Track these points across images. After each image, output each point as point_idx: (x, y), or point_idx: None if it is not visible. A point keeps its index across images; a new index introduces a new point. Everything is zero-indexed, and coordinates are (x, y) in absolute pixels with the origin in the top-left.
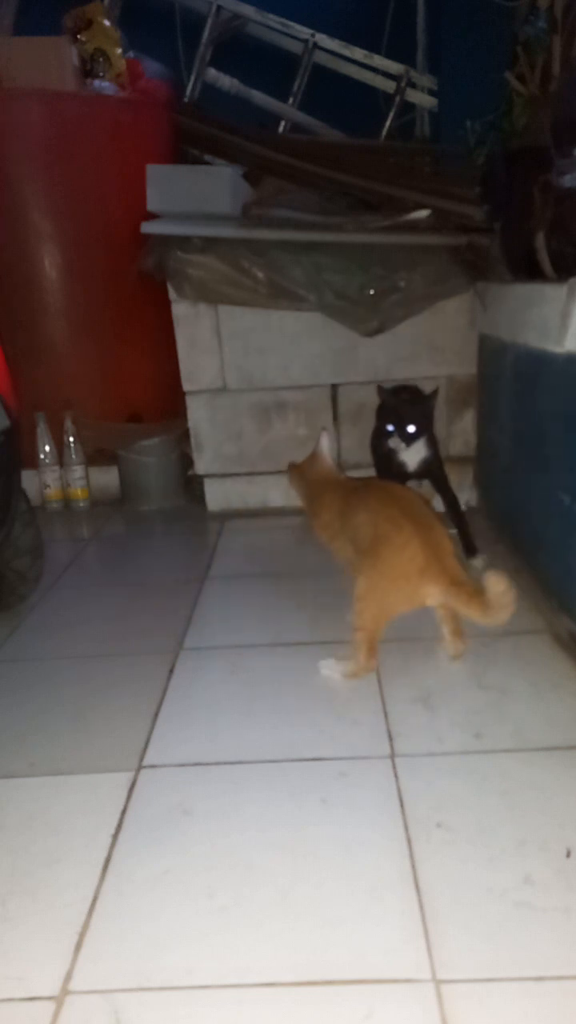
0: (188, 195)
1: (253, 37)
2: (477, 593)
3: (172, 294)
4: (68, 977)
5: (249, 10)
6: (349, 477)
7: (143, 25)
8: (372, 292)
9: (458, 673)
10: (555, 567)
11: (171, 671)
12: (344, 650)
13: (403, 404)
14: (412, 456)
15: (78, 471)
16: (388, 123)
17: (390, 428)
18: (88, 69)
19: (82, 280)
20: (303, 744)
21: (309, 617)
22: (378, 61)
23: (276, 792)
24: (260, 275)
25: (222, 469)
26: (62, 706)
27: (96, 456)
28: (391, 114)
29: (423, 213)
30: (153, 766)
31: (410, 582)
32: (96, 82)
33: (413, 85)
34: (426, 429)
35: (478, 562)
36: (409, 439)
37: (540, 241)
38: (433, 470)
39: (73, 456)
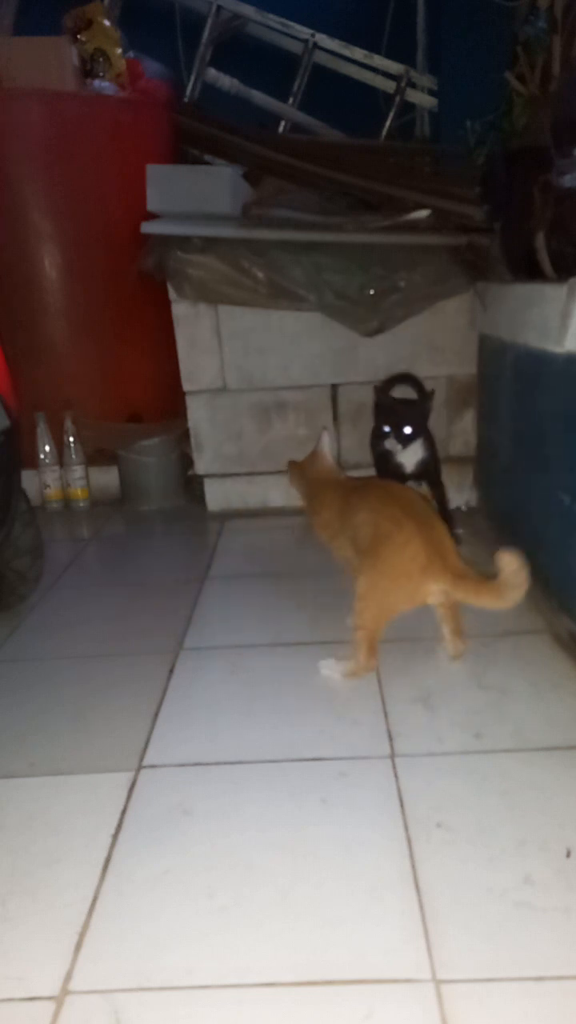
0: (188, 195)
1: (253, 37)
2: (484, 582)
3: (172, 294)
4: (68, 977)
5: (249, 10)
6: (349, 476)
7: (143, 25)
8: (372, 292)
9: (458, 673)
10: (555, 567)
11: (171, 671)
12: (344, 650)
13: (399, 405)
14: (409, 457)
15: (78, 471)
16: (388, 123)
17: (386, 429)
18: (88, 69)
19: (82, 280)
20: (303, 744)
21: (309, 617)
22: (378, 61)
23: (276, 792)
24: (260, 275)
25: (222, 469)
26: (62, 706)
27: (96, 456)
28: (391, 114)
29: (423, 213)
30: (153, 766)
31: (412, 580)
32: (96, 82)
33: (413, 85)
34: (423, 430)
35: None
36: (405, 440)
37: (540, 241)
38: (430, 471)
39: (73, 456)
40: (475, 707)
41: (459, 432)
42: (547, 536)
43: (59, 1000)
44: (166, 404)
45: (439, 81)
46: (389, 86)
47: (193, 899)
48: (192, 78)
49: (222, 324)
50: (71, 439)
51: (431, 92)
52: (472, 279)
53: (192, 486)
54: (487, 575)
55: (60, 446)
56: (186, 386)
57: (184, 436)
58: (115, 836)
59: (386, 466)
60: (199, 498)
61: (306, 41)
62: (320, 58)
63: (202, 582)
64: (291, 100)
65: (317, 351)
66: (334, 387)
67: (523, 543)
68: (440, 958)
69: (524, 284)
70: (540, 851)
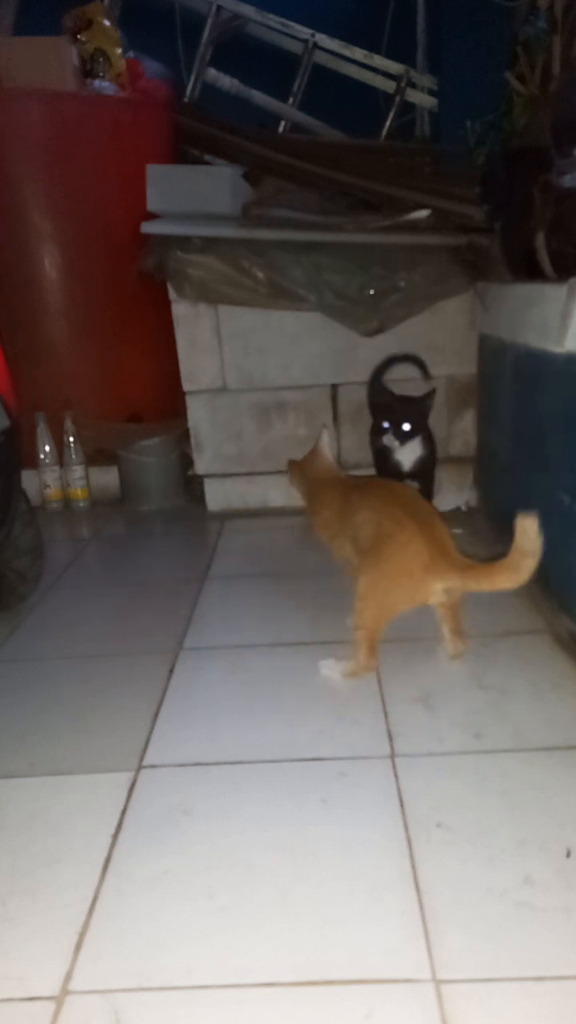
0: (188, 195)
1: (253, 37)
2: (493, 565)
3: (172, 294)
4: (68, 977)
5: (249, 10)
6: (350, 475)
7: (143, 25)
8: (372, 292)
9: (458, 673)
10: (555, 567)
11: (171, 671)
12: (344, 650)
13: (398, 402)
14: (407, 455)
15: (78, 471)
16: (388, 123)
17: (385, 425)
18: (88, 69)
19: (82, 280)
20: (303, 744)
21: (309, 617)
22: (378, 61)
23: (276, 792)
24: (260, 275)
25: (222, 469)
26: (62, 706)
27: (96, 456)
28: (391, 114)
29: (423, 213)
30: (153, 766)
31: (413, 579)
32: (96, 82)
33: (413, 85)
34: (422, 428)
35: None
36: (404, 437)
37: (540, 241)
38: (428, 469)
39: (73, 456)
40: (475, 707)
41: (459, 432)
42: (547, 536)
43: (59, 1000)
44: (166, 404)
45: (439, 81)
46: (389, 86)
47: (193, 899)
48: (192, 78)
49: (222, 324)
50: (71, 439)
51: (431, 92)
52: (472, 279)
53: (192, 486)
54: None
55: (60, 446)
56: (186, 386)
57: (184, 436)
58: (115, 836)
59: (385, 463)
60: (199, 498)
61: (306, 41)
62: (320, 58)
63: (202, 582)
64: (291, 100)
65: (317, 351)
66: (334, 387)
67: None
68: (440, 958)
69: (524, 284)
70: (540, 851)
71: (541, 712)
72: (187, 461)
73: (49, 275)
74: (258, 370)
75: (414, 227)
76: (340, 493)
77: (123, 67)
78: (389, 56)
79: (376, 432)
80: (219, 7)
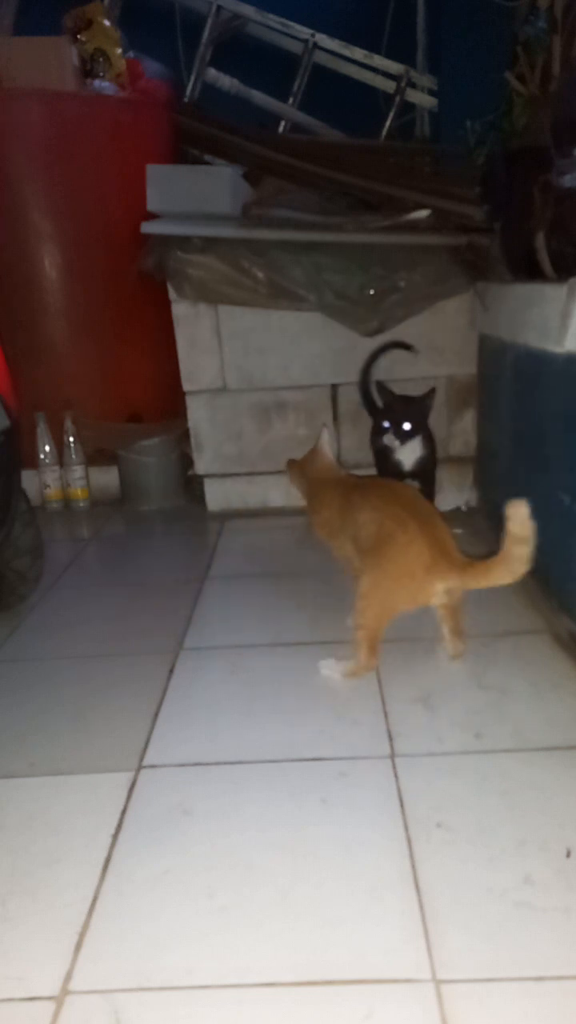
0: (188, 195)
1: (253, 37)
2: (489, 561)
3: (172, 294)
4: (68, 977)
5: (249, 10)
6: (350, 474)
7: (143, 25)
8: (372, 292)
9: (458, 673)
10: (555, 567)
11: (171, 671)
12: (344, 650)
13: (398, 402)
14: (408, 455)
15: (78, 471)
16: (388, 123)
17: (386, 425)
18: (88, 69)
19: (82, 280)
20: (303, 744)
21: (309, 617)
22: (378, 61)
23: (276, 792)
24: (260, 275)
25: (222, 469)
26: (62, 706)
27: (96, 456)
28: (391, 114)
29: (423, 213)
30: (153, 766)
31: (415, 580)
32: (96, 82)
33: (413, 85)
34: (422, 428)
35: None
36: (404, 437)
37: (540, 241)
38: (428, 469)
39: (73, 456)
40: (475, 707)
41: (459, 432)
42: (547, 536)
43: (59, 1000)
44: (166, 404)
45: (439, 81)
46: (389, 86)
47: (193, 899)
48: (192, 78)
49: (222, 324)
50: (71, 439)
51: (431, 92)
52: (472, 279)
53: (192, 486)
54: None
55: (60, 446)
56: (186, 386)
57: (184, 436)
58: (115, 836)
59: (385, 463)
60: (199, 498)
61: (306, 41)
62: (320, 58)
63: (202, 582)
64: (291, 100)
65: (317, 351)
66: (334, 387)
67: None
68: (440, 958)
69: (524, 284)
70: (540, 851)
71: (541, 712)
72: (187, 461)
73: (49, 275)
74: (258, 370)
75: (414, 227)
76: (341, 492)
77: (123, 67)
78: (389, 56)
79: (377, 432)
80: (219, 7)
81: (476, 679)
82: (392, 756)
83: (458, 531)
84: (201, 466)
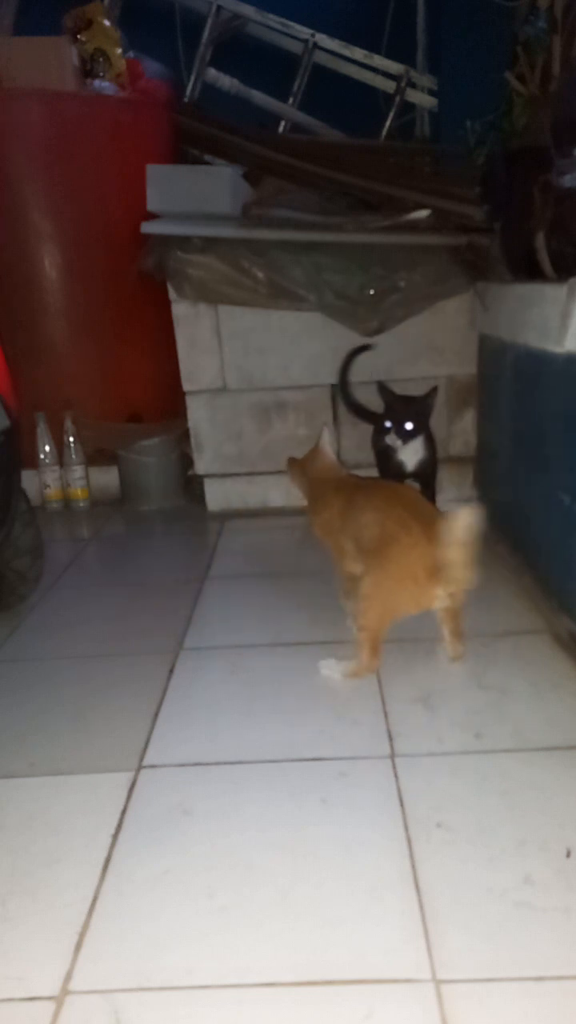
0: (188, 195)
1: (253, 37)
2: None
3: (172, 294)
4: (68, 977)
5: (249, 10)
6: (352, 474)
7: (143, 25)
8: (372, 292)
9: (458, 673)
10: (555, 567)
11: (171, 671)
12: (344, 650)
13: (400, 401)
14: (410, 456)
15: (78, 471)
16: (388, 123)
17: (388, 424)
18: (88, 69)
19: (82, 280)
20: (303, 744)
21: (309, 617)
22: (378, 61)
23: (276, 792)
24: (260, 275)
25: (222, 469)
26: (62, 706)
27: (96, 456)
28: (391, 114)
29: (423, 213)
30: (153, 766)
31: (418, 583)
32: (96, 82)
33: (413, 85)
34: (424, 428)
35: None
36: (406, 436)
37: (540, 241)
38: (429, 471)
39: (73, 456)
40: (475, 707)
41: (459, 432)
42: (547, 536)
43: (59, 1000)
44: (166, 404)
45: (439, 81)
46: (389, 86)
47: (193, 899)
48: (192, 78)
49: (222, 324)
50: (71, 439)
51: (431, 92)
52: (472, 279)
53: (192, 486)
54: None
55: (60, 446)
56: (186, 386)
57: (184, 436)
58: (115, 836)
59: (387, 464)
60: (199, 498)
61: (306, 41)
62: (320, 58)
63: (202, 582)
64: (291, 100)
65: (317, 351)
66: (334, 387)
67: (523, 543)
68: (440, 958)
69: (524, 284)
70: (540, 851)
71: (541, 712)
72: (187, 461)
73: (49, 275)
74: (258, 370)
75: (414, 227)
76: (343, 493)
77: (123, 67)
78: (389, 56)
79: (379, 432)
80: (219, 7)
81: (476, 679)
82: (392, 756)
83: None
84: (201, 466)
